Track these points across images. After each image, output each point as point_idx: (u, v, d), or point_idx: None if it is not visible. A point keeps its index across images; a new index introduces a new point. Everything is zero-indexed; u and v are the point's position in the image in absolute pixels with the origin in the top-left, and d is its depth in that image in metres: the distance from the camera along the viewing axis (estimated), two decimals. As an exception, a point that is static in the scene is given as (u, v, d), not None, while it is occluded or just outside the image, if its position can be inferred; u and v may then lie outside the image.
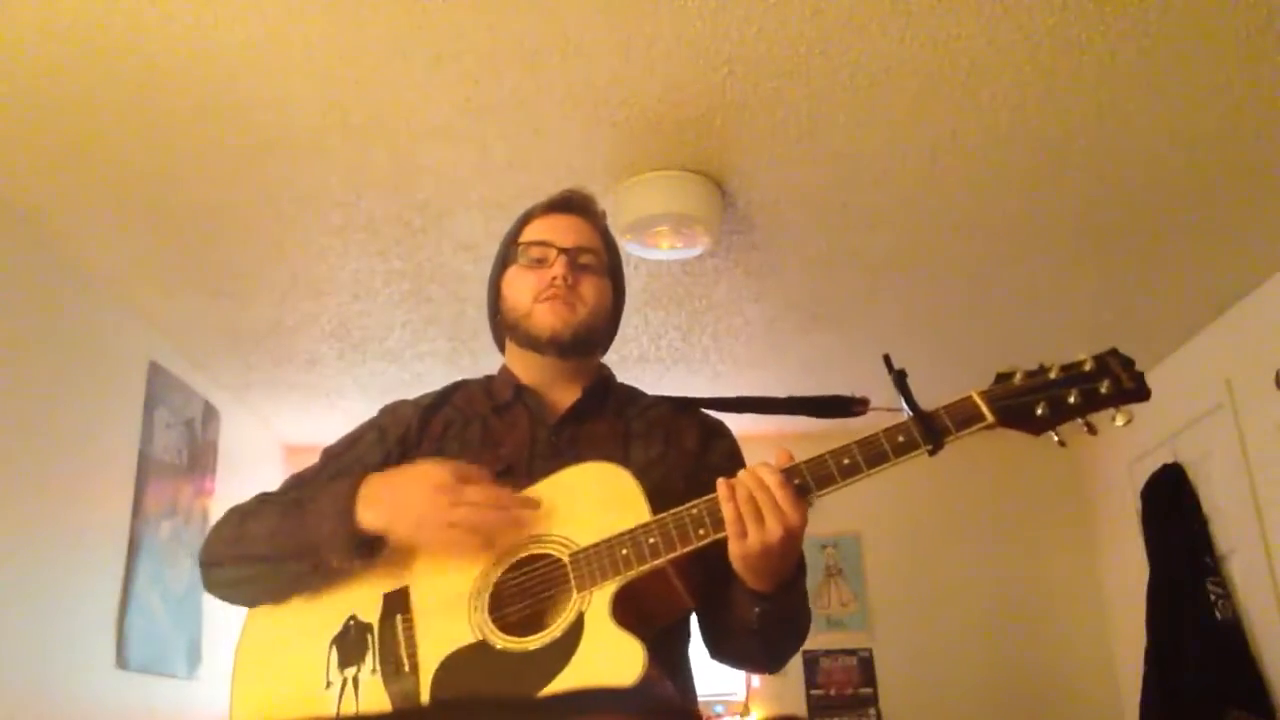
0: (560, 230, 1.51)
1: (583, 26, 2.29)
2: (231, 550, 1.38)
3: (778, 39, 2.34)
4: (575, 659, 1.19)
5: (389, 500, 1.28)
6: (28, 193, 2.86)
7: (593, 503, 1.29)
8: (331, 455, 1.50)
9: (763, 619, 1.29)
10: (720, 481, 1.23)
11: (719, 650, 1.44)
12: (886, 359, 1.31)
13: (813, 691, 4.76)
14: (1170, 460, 4.13)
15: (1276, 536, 3.55)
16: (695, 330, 3.89)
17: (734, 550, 1.23)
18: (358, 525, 1.27)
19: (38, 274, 3.07)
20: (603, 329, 1.54)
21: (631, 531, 1.24)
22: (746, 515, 1.20)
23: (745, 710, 4.60)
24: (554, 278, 1.46)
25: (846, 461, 1.22)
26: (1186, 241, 3.30)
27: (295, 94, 2.48)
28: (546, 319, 1.46)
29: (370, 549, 1.29)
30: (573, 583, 1.24)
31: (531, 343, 1.48)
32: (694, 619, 1.44)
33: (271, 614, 1.36)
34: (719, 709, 4.61)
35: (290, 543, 1.32)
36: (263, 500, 1.43)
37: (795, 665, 4.78)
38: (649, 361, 4.10)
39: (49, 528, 3.05)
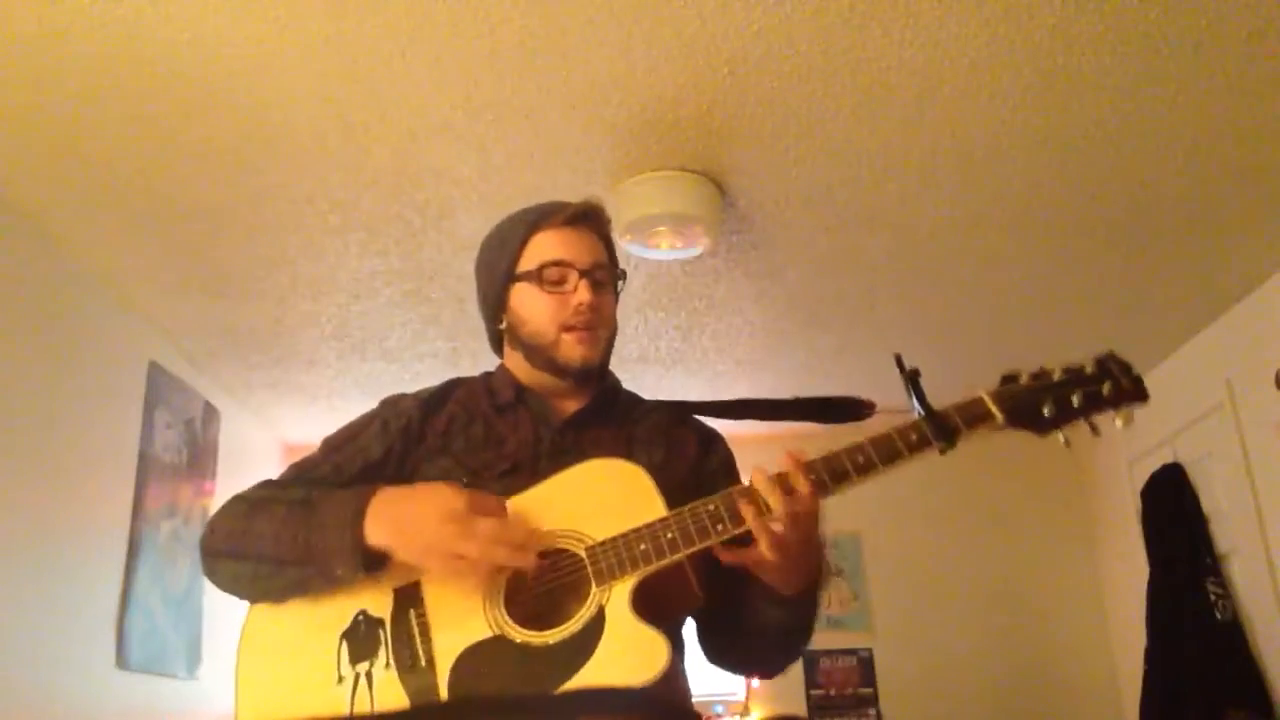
0: (578, 249, 1.46)
1: (583, 26, 2.29)
2: (235, 545, 1.34)
3: (778, 39, 2.34)
4: (598, 653, 1.19)
5: (399, 521, 1.25)
6: (28, 193, 2.86)
7: (606, 498, 1.28)
8: (332, 446, 1.46)
9: (778, 625, 1.30)
10: (738, 489, 1.25)
11: (722, 652, 1.44)
12: (898, 359, 1.33)
13: (813, 691, 4.76)
14: (1170, 460, 4.13)
15: (1276, 536, 3.55)
16: (695, 330, 3.88)
17: (758, 553, 1.24)
18: (365, 541, 1.25)
19: (38, 274, 3.07)
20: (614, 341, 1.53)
21: (650, 526, 1.24)
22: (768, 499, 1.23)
23: (745, 710, 4.60)
24: (580, 304, 1.43)
25: (861, 459, 1.26)
26: (1186, 241, 3.30)
27: (295, 93, 2.48)
28: (577, 351, 1.43)
29: (376, 562, 1.27)
30: (591, 577, 1.23)
31: (556, 370, 1.45)
32: (690, 623, 1.44)
33: (275, 609, 1.33)
34: (719, 709, 4.61)
35: (296, 547, 1.28)
36: (268, 494, 1.39)
37: (795, 665, 4.77)
38: (649, 362, 4.10)
39: (49, 528, 3.04)
